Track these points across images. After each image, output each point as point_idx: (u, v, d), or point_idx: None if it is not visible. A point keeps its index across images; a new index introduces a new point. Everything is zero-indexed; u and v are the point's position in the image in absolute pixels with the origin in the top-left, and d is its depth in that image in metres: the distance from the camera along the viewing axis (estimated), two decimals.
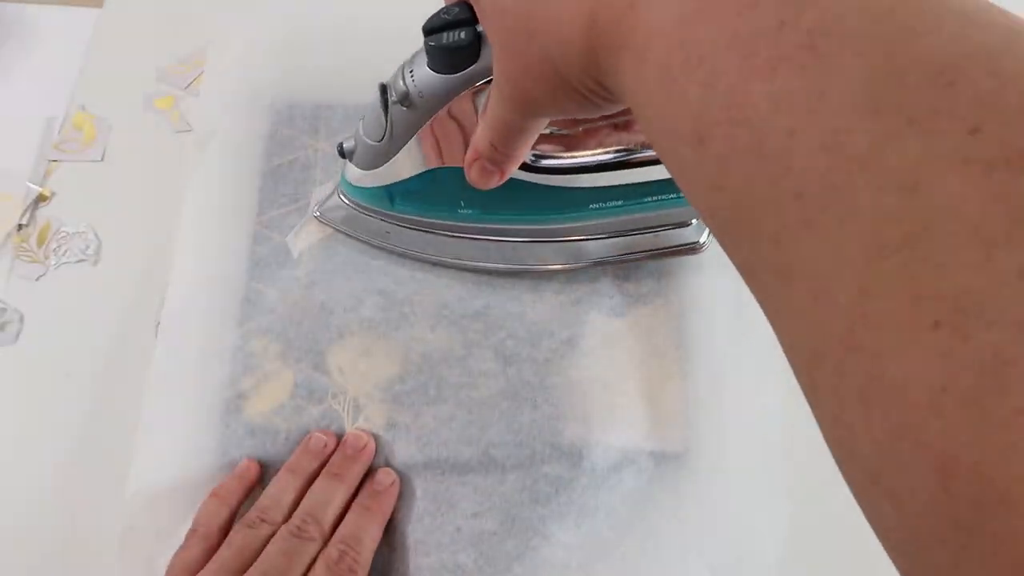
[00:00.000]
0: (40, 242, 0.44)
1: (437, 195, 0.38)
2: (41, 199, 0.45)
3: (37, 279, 0.43)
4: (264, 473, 0.38)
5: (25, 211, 0.44)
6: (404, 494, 0.38)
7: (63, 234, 0.44)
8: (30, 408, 0.40)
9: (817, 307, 0.14)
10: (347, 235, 0.43)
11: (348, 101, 0.47)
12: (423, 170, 0.37)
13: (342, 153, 0.38)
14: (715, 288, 0.43)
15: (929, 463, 0.12)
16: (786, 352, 0.16)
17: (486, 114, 0.27)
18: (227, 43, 0.49)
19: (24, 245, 0.43)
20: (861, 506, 0.14)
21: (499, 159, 0.28)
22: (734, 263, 0.17)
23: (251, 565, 0.33)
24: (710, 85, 0.16)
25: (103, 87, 0.48)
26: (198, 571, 0.33)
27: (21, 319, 0.42)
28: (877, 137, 0.13)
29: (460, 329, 0.41)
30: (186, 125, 0.47)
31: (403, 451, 0.39)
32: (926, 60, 0.13)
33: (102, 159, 0.46)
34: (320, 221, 0.43)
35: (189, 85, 0.48)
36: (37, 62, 0.49)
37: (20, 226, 0.44)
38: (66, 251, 0.43)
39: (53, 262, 0.43)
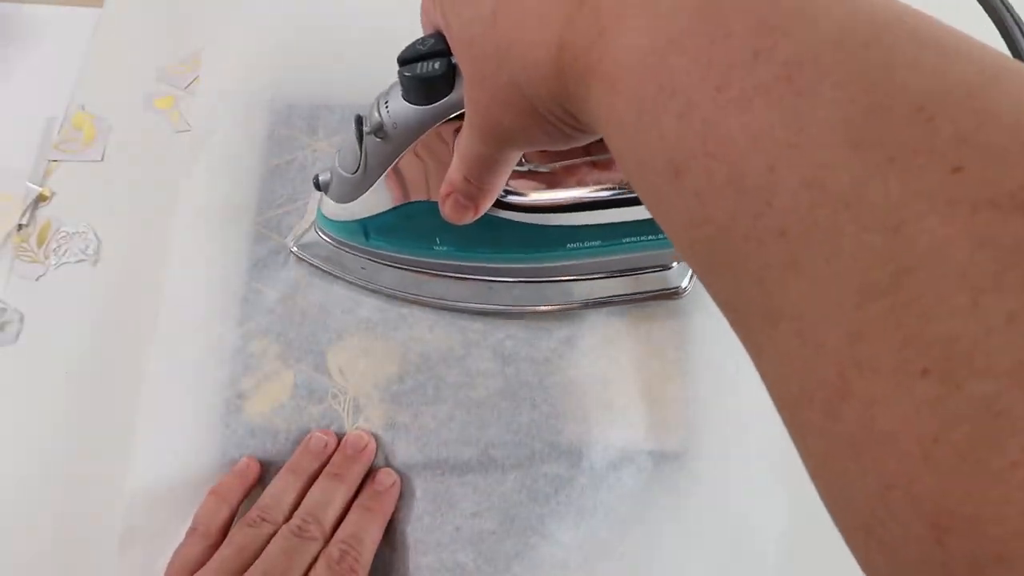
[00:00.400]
0: (40, 242, 0.44)
1: (412, 230, 0.38)
2: (41, 199, 0.45)
3: (37, 279, 0.43)
4: (264, 473, 0.38)
5: (25, 211, 0.44)
6: (404, 494, 0.38)
7: (63, 234, 0.44)
8: (30, 408, 0.40)
9: (804, 350, 0.14)
10: (323, 272, 0.42)
11: (346, 101, 0.47)
12: (398, 204, 0.36)
13: (317, 186, 0.37)
14: None
15: (923, 515, 0.12)
16: (770, 391, 0.15)
17: (459, 147, 0.26)
18: (226, 43, 0.49)
19: (24, 245, 0.43)
20: (850, 548, 0.14)
21: (473, 193, 0.28)
22: (714, 300, 0.17)
23: (252, 564, 0.33)
24: (685, 117, 0.15)
25: (103, 87, 0.48)
26: (198, 569, 0.33)
27: (21, 319, 0.42)
28: (859, 174, 0.13)
29: (459, 329, 0.41)
30: (186, 125, 0.47)
31: (402, 451, 0.39)
32: (905, 95, 0.13)
33: (102, 159, 0.46)
34: (297, 256, 0.42)
35: (189, 85, 0.48)
36: (37, 62, 0.49)
37: (20, 226, 0.44)
38: (66, 251, 0.43)
39: (53, 262, 0.43)
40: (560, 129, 0.22)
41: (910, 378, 0.12)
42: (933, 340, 0.12)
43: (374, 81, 0.34)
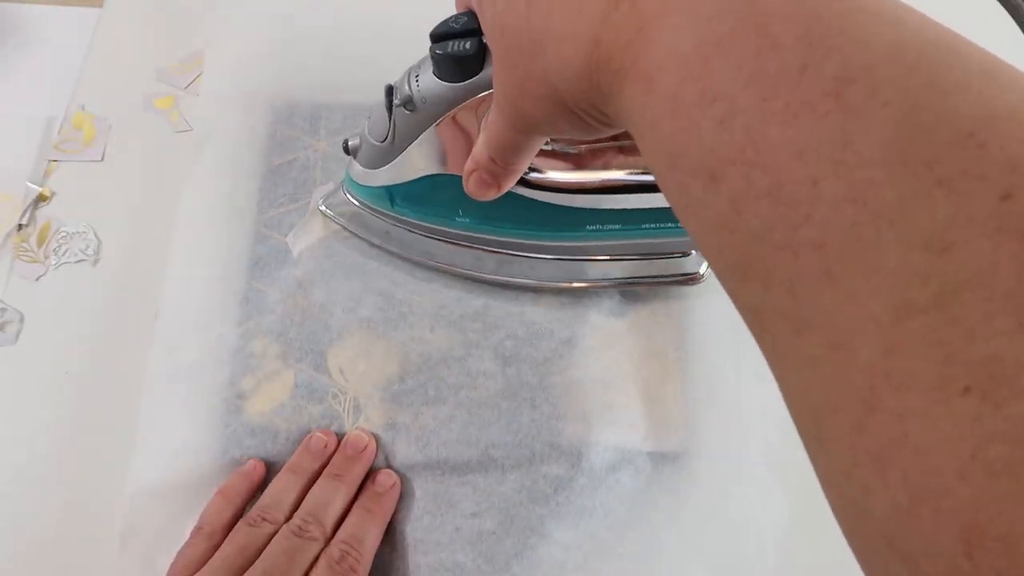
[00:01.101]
0: (40, 242, 0.44)
1: (436, 201, 0.38)
2: (41, 199, 0.45)
3: (37, 279, 0.43)
4: (265, 473, 0.38)
5: (25, 211, 0.44)
6: (404, 494, 0.38)
7: (63, 234, 0.44)
8: (30, 408, 0.40)
9: (834, 360, 0.14)
10: (349, 231, 0.43)
11: (347, 101, 0.47)
12: (423, 175, 0.37)
13: (347, 150, 0.38)
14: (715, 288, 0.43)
15: (953, 530, 0.12)
16: (788, 399, 0.15)
17: (486, 126, 0.27)
18: (227, 43, 0.49)
19: (24, 245, 0.43)
20: (862, 559, 0.14)
21: (497, 172, 0.28)
22: (736, 304, 0.17)
23: (253, 563, 0.33)
24: (726, 123, 0.16)
25: (103, 87, 0.48)
26: (200, 567, 0.33)
27: (21, 319, 0.42)
28: (905, 194, 0.13)
29: (459, 329, 0.41)
30: (186, 125, 0.47)
31: (403, 451, 0.39)
32: (954, 118, 0.13)
33: (102, 159, 0.46)
34: (324, 215, 0.43)
35: (189, 85, 0.48)
36: (37, 62, 0.49)
37: (20, 226, 0.44)
38: (66, 251, 0.43)
39: (53, 262, 0.43)
40: (587, 122, 0.22)
41: (949, 395, 0.12)
42: (977, 359, 0.12)
43: (376, 80, 0.34)
